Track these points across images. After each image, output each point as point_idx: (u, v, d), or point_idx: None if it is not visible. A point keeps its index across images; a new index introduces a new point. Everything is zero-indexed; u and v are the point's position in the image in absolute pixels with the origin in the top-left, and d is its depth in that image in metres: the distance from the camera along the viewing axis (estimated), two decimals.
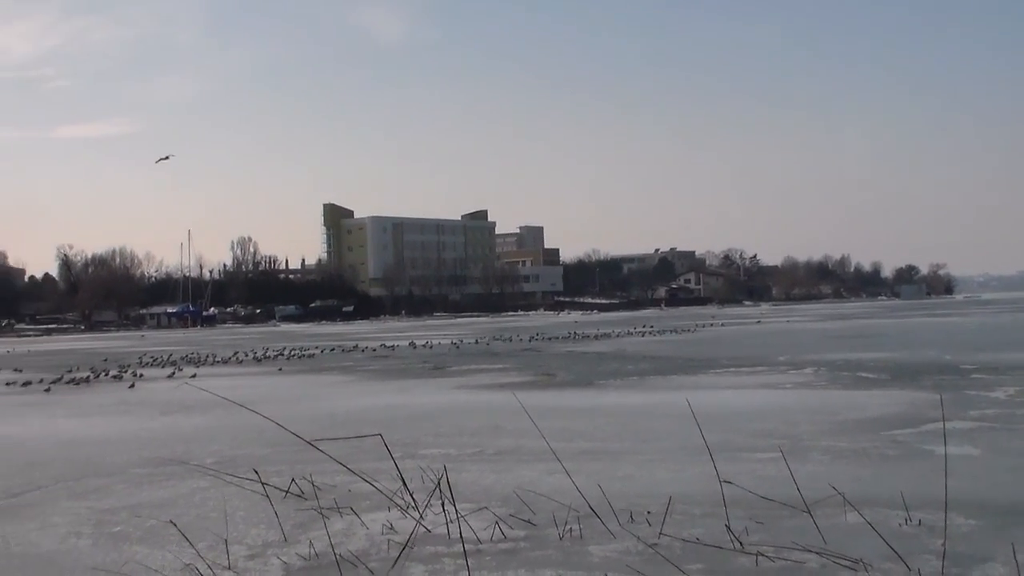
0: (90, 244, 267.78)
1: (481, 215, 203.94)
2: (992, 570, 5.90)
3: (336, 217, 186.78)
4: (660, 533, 7.07)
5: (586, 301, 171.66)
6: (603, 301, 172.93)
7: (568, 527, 7.40)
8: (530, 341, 45.30)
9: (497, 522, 7.56)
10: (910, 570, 5.95)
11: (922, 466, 9.43)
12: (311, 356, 37.01)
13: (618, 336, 48.47)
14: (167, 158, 66.56)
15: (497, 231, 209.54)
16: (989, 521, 7.24)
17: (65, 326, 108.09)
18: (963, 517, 7.29)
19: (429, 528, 7.47)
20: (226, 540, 7.27)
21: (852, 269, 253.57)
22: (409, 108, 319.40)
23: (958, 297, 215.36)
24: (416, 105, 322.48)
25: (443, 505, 7.65)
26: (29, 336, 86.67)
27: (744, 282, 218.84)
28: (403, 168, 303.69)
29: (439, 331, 66.06)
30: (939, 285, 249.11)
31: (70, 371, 29.48)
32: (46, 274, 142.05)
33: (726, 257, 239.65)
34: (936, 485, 7.22)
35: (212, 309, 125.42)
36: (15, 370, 31.45)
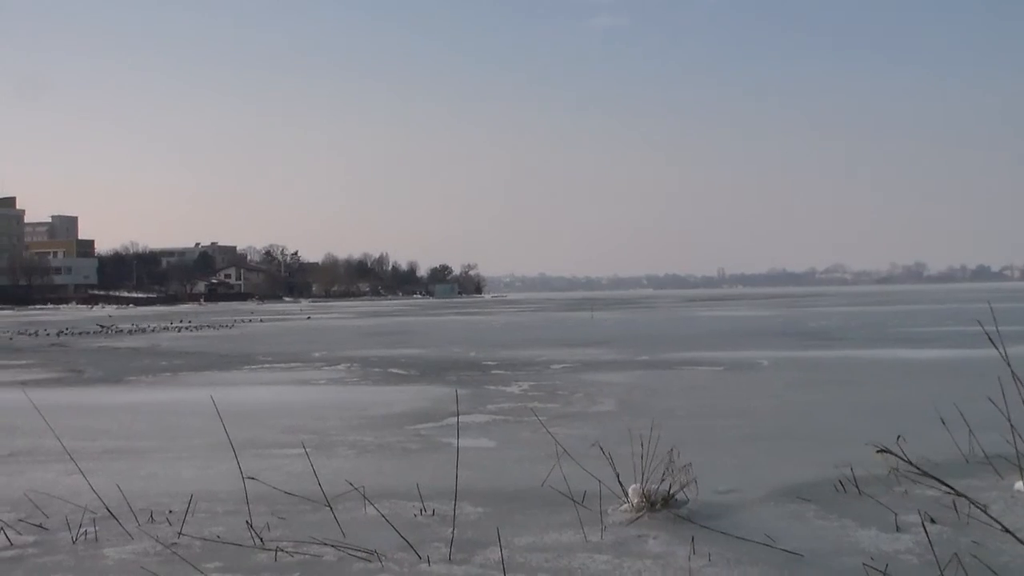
0: None
1: (8, 202, 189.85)
2: (492, 553, 6.35)
3: None
4: (180, 533, 6.97)
5: (122, 295, 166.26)
6: (140, 295, 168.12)
7: (83, 530, 7.10)
8: (58, 336, 43.29)
9: (3, 528, 7.12)
10: (420, 558, 6.28)
11: (440, 458, 9.93)
12: None
13: (153, 331, 47.23)
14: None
15: (27, 220, 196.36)
16: (495, 508, 7.78)
17: None
18: (472, 505, 7.79)
19: None
20: None
21: (390, 268, 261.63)
22: None
23: (487, 296, 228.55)
24: None
25: None
26: None
27: (285, 278, 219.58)
28: None
29: None
30: (470, 284, 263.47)
31: None
32: None
33: (268, 253, 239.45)
34: (451, 476, 7.66)
35: None
36: None
